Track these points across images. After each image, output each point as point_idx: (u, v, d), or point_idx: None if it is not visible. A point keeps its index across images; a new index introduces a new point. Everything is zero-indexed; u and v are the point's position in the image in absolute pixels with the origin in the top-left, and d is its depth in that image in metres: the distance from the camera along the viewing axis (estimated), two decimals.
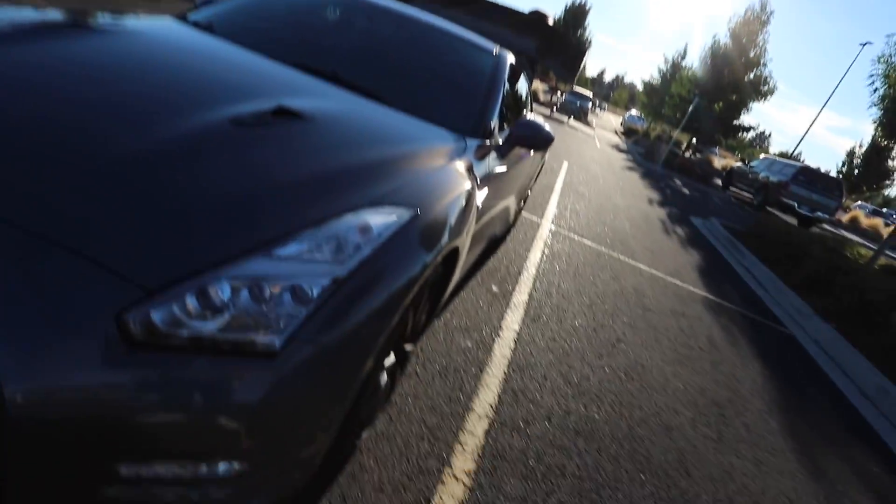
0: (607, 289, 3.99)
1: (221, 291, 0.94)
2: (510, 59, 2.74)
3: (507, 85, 2.57)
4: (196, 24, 2.18)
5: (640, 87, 37.29)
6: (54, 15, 1.81)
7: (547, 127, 2.36)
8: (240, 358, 0.94)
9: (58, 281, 0.87)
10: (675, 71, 30.12)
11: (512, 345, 2.59)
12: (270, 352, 0.96)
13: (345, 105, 1.80)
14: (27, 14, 1.73)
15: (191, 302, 0.92)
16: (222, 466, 0.97)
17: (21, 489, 0.85)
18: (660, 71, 32.08)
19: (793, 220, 14.11)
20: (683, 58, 31.30)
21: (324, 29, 2.55)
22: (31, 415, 0.81)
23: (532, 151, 2.94)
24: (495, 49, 2.69)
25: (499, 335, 2.63)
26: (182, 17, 2.27)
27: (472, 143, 2.00)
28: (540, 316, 3.05)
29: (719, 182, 19.64)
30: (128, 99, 1.31)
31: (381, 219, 1.23)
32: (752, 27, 21.95)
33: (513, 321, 2.83)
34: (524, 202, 4.44)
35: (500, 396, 2.15)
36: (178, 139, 1.19)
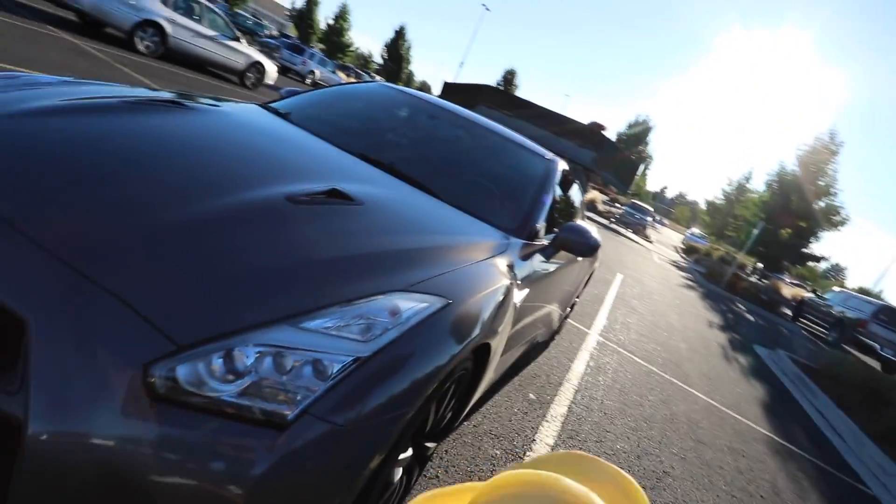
0: (655, 413, 3.68)
1: (246, 356, 0.96)
2: (562, 165, 2.82)
3: (557, 190, 2.62)
4: (276, 112, 2.45)
5: (702, 205, 37.07)
6: (163, 93, 2.13)
7: (595, 233, 2.35)
8: (250, 425, 0.93)
9: (96, 323, 0.91)
10: (739, 193, 29.89)
11: None
12: (281, 423, 0.94)
13: (396, 193, 1.89)
14: (140, 91, 2.04)
15: (216, 363, 0.94)
16: None
17: None
18: (723, 192, 31.98)
19: (873, 363, 12.78)
20: (748, 180, 31.17)
21: (389, 124, 2.78)
22: (44, 456, 0.83)
23: (580, 258, 2.93)
24: (548, 155, 2.80)
25: (531, 448, 2.44)
26: (266, 105, 2.57)
27: (516, 242, 2.01)
28: (578, 432, 2.83)
29: (787, 311, 18.45)
30: (198, 168, 1.46)
31: (412, 304, 1.23)
32: (820, 156, 21.66)
33: (547, 434, 2.64)
34: (571, 309, 4.33)
35: None
36: (235, 208, 1.29)
